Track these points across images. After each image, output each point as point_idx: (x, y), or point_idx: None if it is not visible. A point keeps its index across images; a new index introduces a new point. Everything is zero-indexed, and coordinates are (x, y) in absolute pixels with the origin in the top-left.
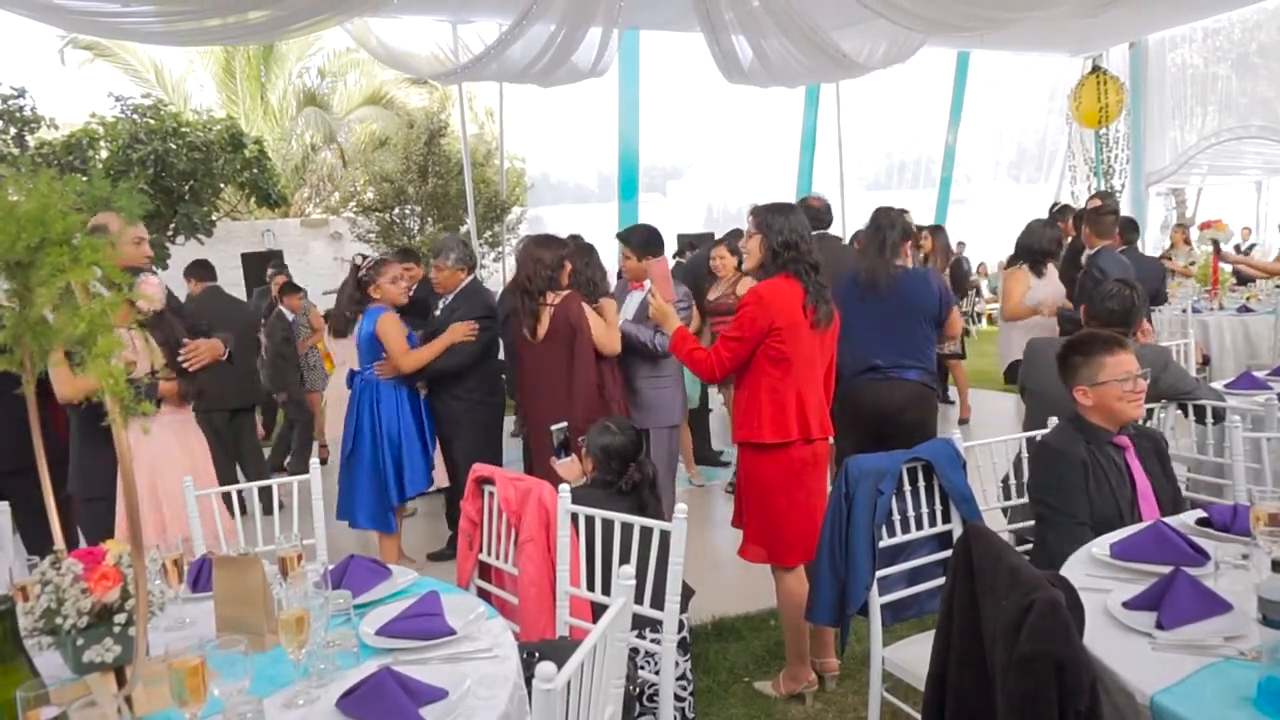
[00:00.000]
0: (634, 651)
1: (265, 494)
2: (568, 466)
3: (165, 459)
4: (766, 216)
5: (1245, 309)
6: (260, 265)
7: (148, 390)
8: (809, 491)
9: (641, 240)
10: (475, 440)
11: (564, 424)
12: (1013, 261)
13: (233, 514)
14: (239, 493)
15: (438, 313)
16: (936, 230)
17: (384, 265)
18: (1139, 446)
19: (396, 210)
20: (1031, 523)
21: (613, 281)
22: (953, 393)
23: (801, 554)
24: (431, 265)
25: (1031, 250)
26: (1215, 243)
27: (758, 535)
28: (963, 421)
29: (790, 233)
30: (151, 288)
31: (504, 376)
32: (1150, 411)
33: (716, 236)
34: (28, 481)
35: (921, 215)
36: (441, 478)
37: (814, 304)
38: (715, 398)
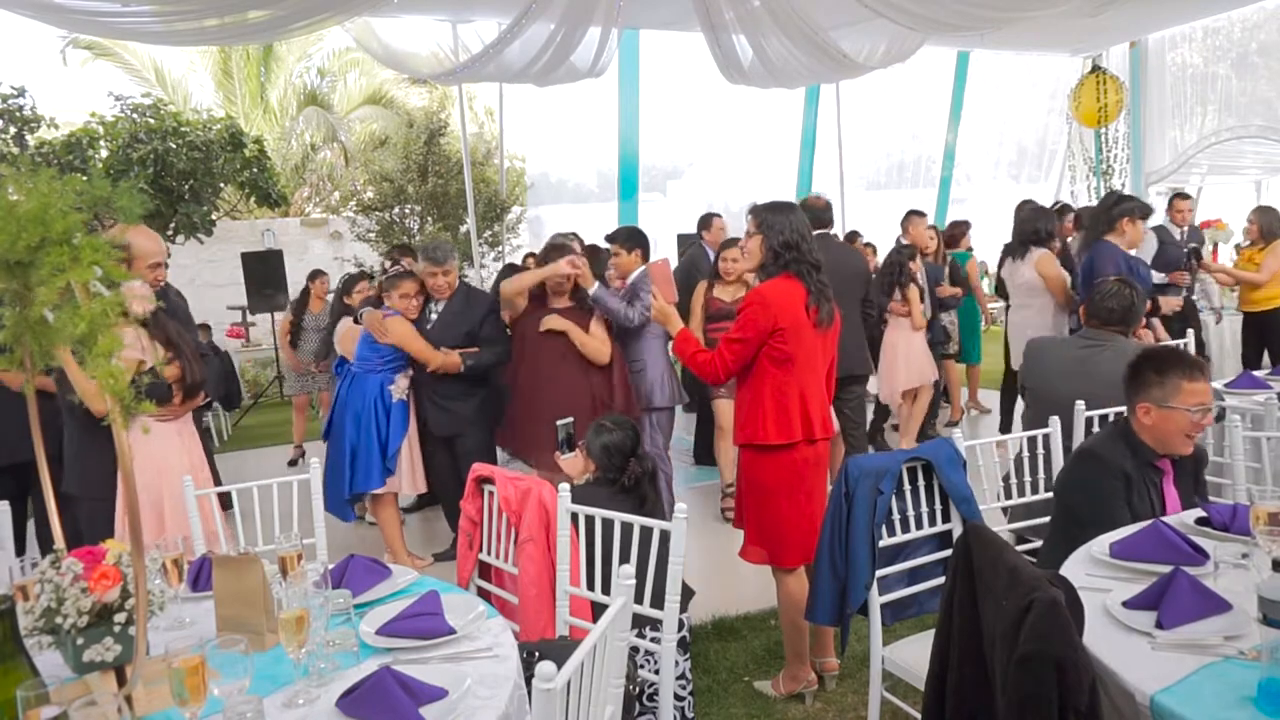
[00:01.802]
0: (634, 651)
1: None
2: (570, 461)
3: (167, 460)
4: (766, 216)
5: None
6: (260, 265)
7: (154, 390)
8: (809, 493)
9: (627, 235)
10: (479, 439)
11: (570, 419)
12: (1026, 250)
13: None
14: (236, 493)
15: (434, 315)
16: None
17: (399, 281)
18: (1179, 470)
19: (396, 210)
20: (1030, 523)
21: None
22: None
23: (801, 555)
24: (433, 273)
25: (1035, 234)
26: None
27: (758, 536)
28: (953, 424)
29: (791, 232)
30: (138, 291)
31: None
32: None
33: None
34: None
35: None
36: (420, 484)
37: (816, 304)
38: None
